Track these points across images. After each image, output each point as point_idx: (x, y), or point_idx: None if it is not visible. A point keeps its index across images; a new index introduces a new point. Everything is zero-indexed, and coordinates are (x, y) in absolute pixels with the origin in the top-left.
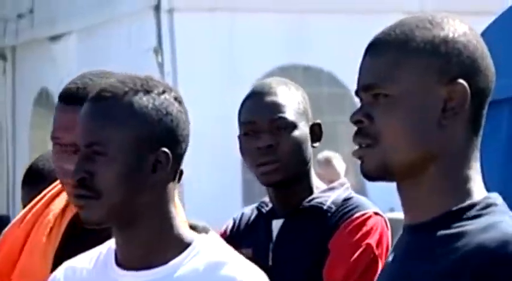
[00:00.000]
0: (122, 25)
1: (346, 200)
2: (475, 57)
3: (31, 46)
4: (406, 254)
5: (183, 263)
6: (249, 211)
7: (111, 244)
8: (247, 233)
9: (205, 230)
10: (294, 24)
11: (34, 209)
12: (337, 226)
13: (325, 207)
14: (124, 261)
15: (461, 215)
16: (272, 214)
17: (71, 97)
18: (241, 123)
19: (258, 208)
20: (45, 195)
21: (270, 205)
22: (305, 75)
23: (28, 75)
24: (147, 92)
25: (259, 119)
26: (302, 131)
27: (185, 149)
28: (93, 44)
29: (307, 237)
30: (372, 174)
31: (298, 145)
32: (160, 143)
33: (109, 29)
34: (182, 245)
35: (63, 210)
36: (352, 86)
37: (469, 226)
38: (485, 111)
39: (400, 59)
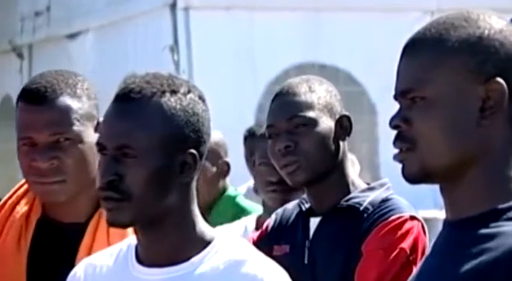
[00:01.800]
0: (138, 23)
1: (384, 201)
2: None
3: (48, 44)
4: (442, 250)
5: (204, 261)
6: (292, 206)
7: (130, 241)
8: (288, 229)
9: None
10: (311, 23)
11: None
12: (372, 228)
13: (361, 208)
14: (145, 258)
15: (500, 215)
16: (310, 212)
17: (38, 96)
18: (265, 128)
19: (299, 204)
20: (3, 204)
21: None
22: (321, 74)
23: None
24: (174, 92)
25: (277, 121)
26: (324, 126)
27: (207, 146)
28: (110, 42)
29: (342, 237)
30: (413, 177)
31: (319, 141)
32: (187, 144)
33: (125, 27)
34: (203, 243)
35: (27, 216)
36: (369, 84)
37: (507, 226)
38: None
39: (435, 60)
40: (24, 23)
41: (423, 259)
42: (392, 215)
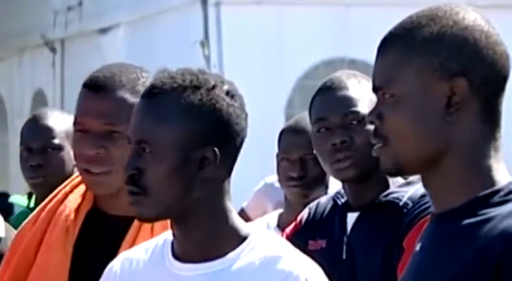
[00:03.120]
0: (169, 18)
1: (424, 196)
2: (478, 48)
3: (80, 38)
4: (432, 242)
5: (240, 257)
6: (325, 201)
7: (167, 236)
8: (322, 224)
9: None
10: (340, 18)
11: (48, 207)
12: (413, 224)
13: (401, 203)
14: (181, 253)
15: (484, 202)
16: (347, 207)
17: (97, 84)
18: (313, 121)
19: (333, 199)
20: (58, 193)
21: (346, 197)
22: (351, 69)
23: (76, 67)
24: (196, 87)
25: (331, 115)
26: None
27: (241, 143)
28: (141, 37)
29: (382, 233)
30: (390, 171)
31: (369, 138)
32: (207, 139)
33: (156, 22)
34: (239, 239)
35: (78, 206)
36: None
37: (493, 212)
38: (501, 99)
39: (402, 58)
40: (56, 18)
41: (413, 254)
42: None
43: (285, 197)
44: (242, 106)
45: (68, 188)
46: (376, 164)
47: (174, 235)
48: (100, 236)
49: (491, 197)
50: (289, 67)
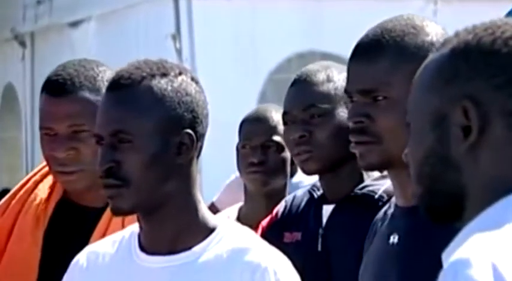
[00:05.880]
0: (140, 11)
1: None
2: None
3: (50, 32)
4: (411, 233)
5: (207, 249)
6: (302, 194)
7: (133, 229)
8: (298, 217)
9: None
10: (312, 11)
11: (17, 196)
12: None
13: (376, 196)
14: (148, 246)
15: None
16: (323, 199)
17: (58, 88)
18: (281, 115)
19: (309, 192)
20: (27, 181)
21: (321, 190)
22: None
23: (47, 61)
24: (164, 75)
25: (292, 109)
26: (339, 117)
27: (206, 127)
28: (112, 30)
29: (357, 225)
30: (373, 167)
31: (334, 132)
32: (182, 124)
33: (127, 15)
34: (206, 231)
35: (49, 195)
36: None
37: None
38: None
39: (395, 65)
40: (26, 11)
41: (379, 247)
42: None
43: (245, 190)
44: (204, 93)
45: (37, 177)
46: (343, 158)
47: (141, 227)
48: (71, 226)
49: None
50: (262, 60)
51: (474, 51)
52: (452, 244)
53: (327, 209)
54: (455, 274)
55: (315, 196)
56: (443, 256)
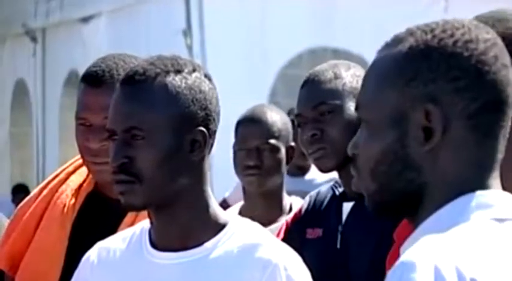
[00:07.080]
0: (151, 7)
1: None
2: None
3: (61, 28)
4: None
5: (218, 245)
6: (325, 190)
7: (144, 225)
8: (321, 213)
9: None
10: (323, 7)
11: (50, 186)
12: None
13: None
14: (159, 242)
15: None
16: (344, 196)
17: (96, 79)
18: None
19: (332, 188)
20: (61, 172)
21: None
22: (334, 58)
23: (58, 56)
24: (178, 71)
25: (303, 110)
26: (349, 112)
27: (217, 125)
28: (123, 26)
29: (375, 222)
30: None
31: (346, 127)
32: (196, 122)
33: (138, 11)
34: (217, 227)
35: (80, 186)
36: None
37: None
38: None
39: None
40: (37, 7)
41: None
42: None
43: (243, 189)
44: (216, 90)
45: (71, 168)
46: None
47: (152, 223)
48: (99, 218)
49: None
50: (272, 56)
51: (435, 53)
52: (407, 241)
53: (347, 206)
54: (400, 276)
55: (337, 193)
56: (401, 250)
